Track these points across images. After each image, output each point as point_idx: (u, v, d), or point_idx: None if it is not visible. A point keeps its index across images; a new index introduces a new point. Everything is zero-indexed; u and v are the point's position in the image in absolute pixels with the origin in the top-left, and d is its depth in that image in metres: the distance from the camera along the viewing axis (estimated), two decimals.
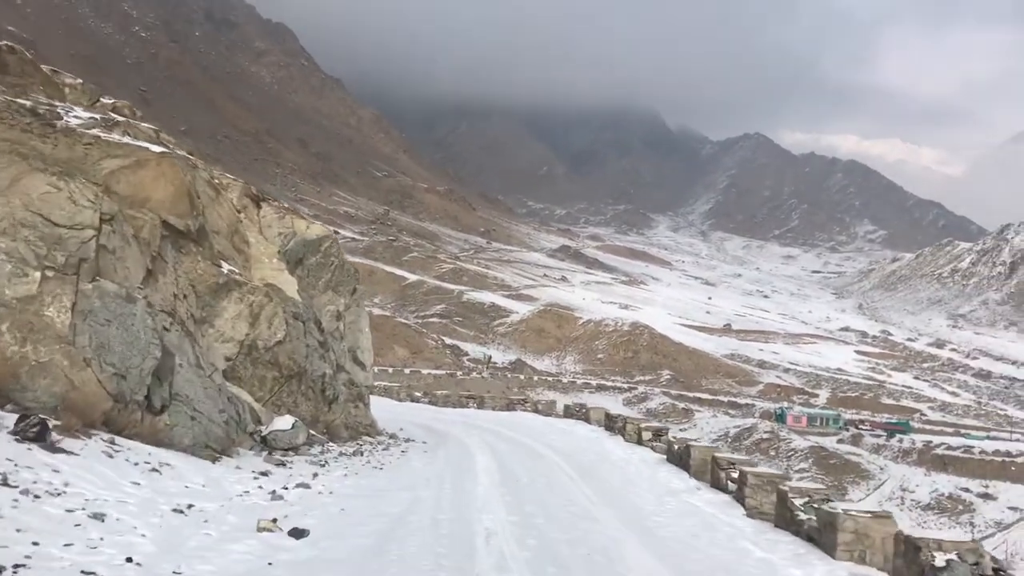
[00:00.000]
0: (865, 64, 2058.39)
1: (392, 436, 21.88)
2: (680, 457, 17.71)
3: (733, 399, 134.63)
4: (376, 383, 47.76)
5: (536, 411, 33.24)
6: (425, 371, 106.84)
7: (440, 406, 37.94)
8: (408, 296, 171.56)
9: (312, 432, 17.40)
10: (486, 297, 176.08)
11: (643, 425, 22.86)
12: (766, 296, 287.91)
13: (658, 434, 22.28)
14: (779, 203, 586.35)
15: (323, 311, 19.58)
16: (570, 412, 30.80)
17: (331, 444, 17.90)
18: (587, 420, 27.94)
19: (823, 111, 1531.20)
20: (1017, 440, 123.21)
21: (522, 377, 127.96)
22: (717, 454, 16.60)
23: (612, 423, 25.15)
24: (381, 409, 29.76)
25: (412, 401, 42.47)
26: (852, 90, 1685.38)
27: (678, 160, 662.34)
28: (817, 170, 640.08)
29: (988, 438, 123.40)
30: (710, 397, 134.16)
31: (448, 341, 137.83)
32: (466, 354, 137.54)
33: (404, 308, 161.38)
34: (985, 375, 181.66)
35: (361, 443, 19.23)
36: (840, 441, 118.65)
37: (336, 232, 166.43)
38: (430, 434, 23.48)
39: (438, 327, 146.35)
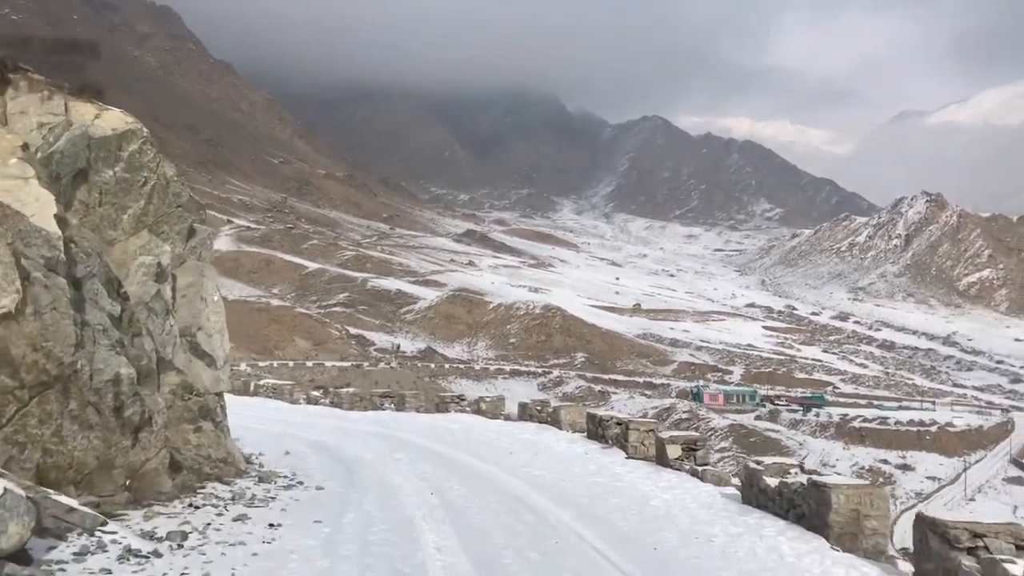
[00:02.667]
0: (759, 47, 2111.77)
1: (264, 477, 13.47)
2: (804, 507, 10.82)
3: (648, 379, 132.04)
4: (265, 380, 40.17)
5: (479, 412, 25.60)
6: (329, 363, 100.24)
7: (348, 408, 29.63)
8: (309, 285, 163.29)
9: (96, 499, 9.59)
10: (392, 284, 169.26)
11: (666, 435, 15.11)
12: (672, 275, 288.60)
13: (691, 448, 14.62)
14: (679, 184, 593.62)
15: (130, 266, 11.15)
16: (528, 413, 23.17)
17: (125, 517, 9.80)
18: (556, 424, 21.09)
19: (717, 94, 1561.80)
20: (928, 409, 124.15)
21: (433, 366, 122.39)
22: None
23: (599, 428, 17.77)
24: (262, 421, 22.91)
25: (310, 403, 33.75)
26: (746, 73, 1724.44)
27: (580, 143, 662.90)
28: (714, 151, 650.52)
29: (900, 408, 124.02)
30: (625, 378, 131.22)
31: (353, 331, 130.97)
32: (373, 344, 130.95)
33: (305, 298, 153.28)
34: (889, 346, 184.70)
35: (195, 503, 11.12)
36: (758, 418, 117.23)
37: (230, 221, 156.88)
38: (331, 464, 15.45)
39: (342, 317, 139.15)
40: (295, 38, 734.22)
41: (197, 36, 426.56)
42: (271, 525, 10.34)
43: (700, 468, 13.95)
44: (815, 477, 10.82)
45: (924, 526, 8.92)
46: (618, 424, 17.28)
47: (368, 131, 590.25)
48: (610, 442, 17.28)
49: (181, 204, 13.69)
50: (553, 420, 21.67)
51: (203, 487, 12.07)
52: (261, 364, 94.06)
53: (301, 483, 13.49)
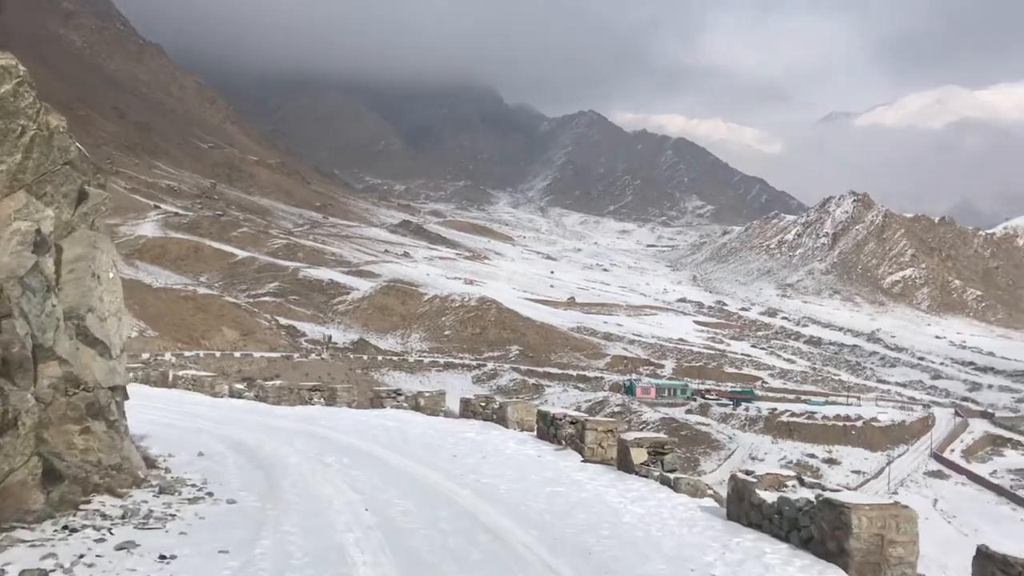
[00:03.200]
0: (694, 46, 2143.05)
1: (168, 487, 11.21)
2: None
3: (582, 372, 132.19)
4: (185, 371, 38.12)
5: (418, 408, 23.90)
6: (258, 354, 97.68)
7: (274, 402, 27.34)
8: (238, 274, 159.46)
9: None
10: (324, 274, 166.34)
11: (630, 437, 13.51)
12: (606, 270, 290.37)
13: (658, 452, 13.14)
14: (613, 179, 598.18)
15: (1, 232, 9.35)
16: (471, 409, 21.39)
17: None
18: (502, 422, 19.61)
19: (653, 91, 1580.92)
20: (853, 405, 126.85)
21: (365, 358, 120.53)
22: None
23: (552, 427, 16.33)
24: (178, 417, 20.98)
25: (233, 396, 30.65)
26: (681, 71, 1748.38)
27: (516, 136, 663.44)
28: (648, 148, 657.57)
29: (827, 403, 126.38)
30: (559, 371, 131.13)
31: (283, 321, 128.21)
32: (304, 335, 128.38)
33: (233, 287, 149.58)
34: (816, 342, 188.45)
35: (72, 524, 8.99)
36: (689, 411, 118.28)
37: (157, 207, 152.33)
38: (250, 469, 13.33)
39: (272, 306, 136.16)
40: (228, 22, 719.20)
41: (125, 16, 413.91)
42: (163, 557, 8.18)
43: (672, 476, 12.45)
44: (829, 495, 9.12)
45: (993, 565, 7.69)
46: (572, 423, 15.85)
47: (302, 119, 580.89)
48: (564, 443, 15.86)
49: (69, 161, 11.03)
50: (499, 418, 20.10)
51: (88, 501, 9.86)
52: (187, 354, 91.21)
53: (211, 494, 11.34)
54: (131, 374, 34.59)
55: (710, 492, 12.55)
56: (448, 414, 23.92)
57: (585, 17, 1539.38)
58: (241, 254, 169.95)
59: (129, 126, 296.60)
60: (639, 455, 13.27)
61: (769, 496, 9.95)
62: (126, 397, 12.33)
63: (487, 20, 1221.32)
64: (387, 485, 12.33)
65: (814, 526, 9.06)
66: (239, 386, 33.60)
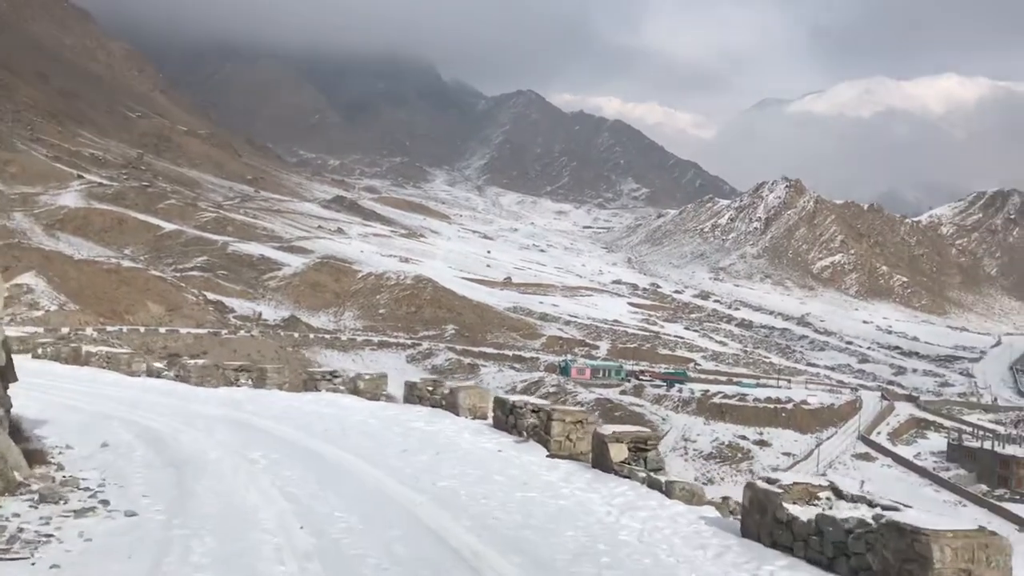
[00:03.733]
0: (632, 29, 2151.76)
1: (50, 494, 9.02)
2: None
3: (518, 353, 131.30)
4: (100, 348, 35.35)
5: (356, 392, 21.62)
6: (184, 330, 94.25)
7: (196, 383, 24.84)
8: (164, 247, 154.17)
9: None
10: (255, 249, 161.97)
11: (607, 430, 11.62)
12: (542, 250, 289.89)
13: (640, 448, 11.23)
14: (550, 160, 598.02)
15: None
16: (417, 394, 19.16)
17: None
18: (452, 408, 17.36)
19: (590, 73, 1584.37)
20: (784, 387, 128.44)
21: (297, 335, 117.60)
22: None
23: (510, 416, 14.45)
24: (85, 400, 18.68)
25: (152, 376, 27.79)
26: (618, 53, 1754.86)
27: (453, 114, 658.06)
28: (586, 129, 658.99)
29: (758, 385, 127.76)
30: (495, 351, 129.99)
31: (211, 296, 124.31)
32: (232, 311, 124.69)
33: (159, 260, 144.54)
34: (747, 325, 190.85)
35: None
36: (623, 392, 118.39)
37: (80, 176, 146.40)
38: (160, 467, 11.18)
39: (199, 281, 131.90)
40: None
41: None
42: None
43: (663, 480, 10.48)
44: (896, 517, 7.24)
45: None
46: (535, 412, 13.98)
47: (233, 90, 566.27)
48: (525, 434, 13.98)
49: None
50: (448, 404, 17.88)
51: None
52: (109, 329, 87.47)
53: (106, 503, 9.08)
54: (40, 349, 31.69)
55: (708, 499, 10.74)
56: (390, 399, 21.91)
57: None
58: (168, 227, 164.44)
59: (53, 92, 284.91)
60: (619, 452, 11.36)
61: (803, 512, 8.17)
62: (12, 378, 10.30)
63: None
64: (326, 490, 10.26)
65: (872, 555, 7.35)
66: (158, 365, 30.52)
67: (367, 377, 22.20)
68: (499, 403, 15.34)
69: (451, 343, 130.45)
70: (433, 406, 18.49)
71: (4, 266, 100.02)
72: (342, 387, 22.22)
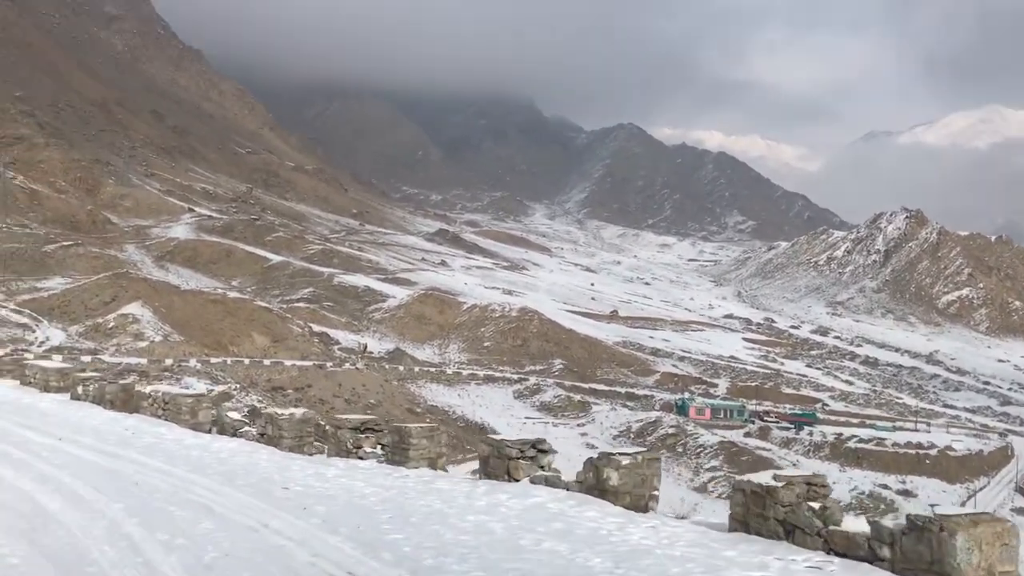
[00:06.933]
0: (735, 62, 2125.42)
1: None
2: None
3: (630, 390, 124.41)
4: (158, 389, 23.64)
5: (600, 492, 11.83)
6: (289, 362, 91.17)
7: (289, 447, 16.67)
8: (271, 279, 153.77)
9: None
10: (360, 280, 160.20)
11: None
12: (647, 283, 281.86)
13: None
14: (652, 193, 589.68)
15: None
16: (757, 513, 10.00)
17: None
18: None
19: (692, 106, 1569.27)
20: (923, 431, 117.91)
21: (402, 368, 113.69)
22: None
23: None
24: (54, 502, 11.35)
25: (226, 432, 19.28)
26: (721, 86, 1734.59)
27: (553, 148, 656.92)
28: (688, 161, 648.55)
29: (895, 428, 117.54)
30: (606, 388, 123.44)
31: (316, 328, 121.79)
32: (337, 343, 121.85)
33: (266, 291, 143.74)
34: (872, 362, 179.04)
35: None
36: (747, 435, 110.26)
37: (191, 209, 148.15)
38: None
39: (305, 313, 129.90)
40: (267, 29, 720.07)
41: (167, 21, 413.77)
42: None
43: None
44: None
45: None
46: None
47: (339, 128, 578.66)
48: None
49: None
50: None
51: None
52: (213, 360, 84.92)
53: None
54: (81, 387, 25.69)
55: None
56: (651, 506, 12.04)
57: (625, 30, 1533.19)
58: (275, 259, 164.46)
59: (167, 130, 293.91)
60: None
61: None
62: None
63: (527, 33, 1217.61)
64: None
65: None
66: (235, 415, 21.05)
67: (623, 464, 11.54)
68: None
69: (559, 378, 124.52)
70: (768, 536, 9.62)
71: (112, 296, 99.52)
72: (555, 473, 12.82)
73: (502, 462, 13.18)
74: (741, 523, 10.10)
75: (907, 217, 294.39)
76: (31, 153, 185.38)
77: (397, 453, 15.31)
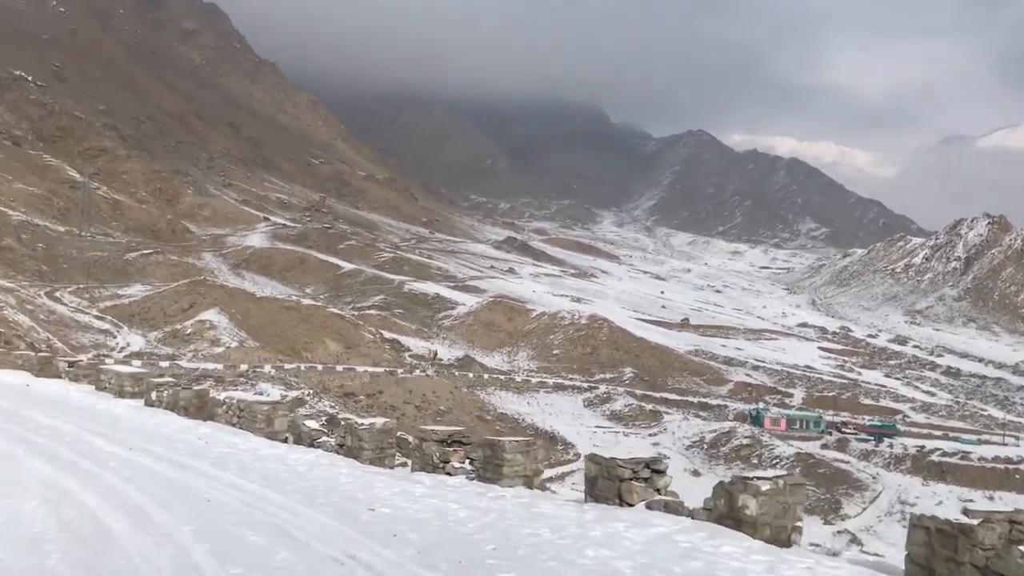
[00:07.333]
0: (806, 66, 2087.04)
1: None
2: None
3: (703, 399, 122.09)
4: (232, 396, 23.47)
5: (736, 522, 10.55)
6: (361, 368, 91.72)
7: (371, 458, 16.11)
8: (343, 286, 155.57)
9: None
10: (429, 288, 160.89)
11: None
12: (718, 291, 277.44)
13: None
14: (723, 200, 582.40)
15: None
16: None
17: None
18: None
19: (763, 112, 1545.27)
20: (1011, 444, 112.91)
21: (471, 375, 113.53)
22: None
23: None
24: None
25: (302, 443, 18.58)
26: (792, 91, 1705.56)
27: (621, 156, 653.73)
28: (760, 168, 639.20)
29: (980, 442, 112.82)
30: (678, 397, 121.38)
31: (387, 335, 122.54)
32: (408, 349, 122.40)
33: (339, 298, 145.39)
34: (955, 373, 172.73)
35: None
36: (825, 446, 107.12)
37: (266, 219, 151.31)
38: None
39: (376, 320, 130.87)
40: (339, 41, 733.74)
41: (242, 35, 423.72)
42: None
43: None
44: None
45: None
46: None
47: (409, 137, 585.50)
48: None
49: None
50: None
51: None
52: (287, 366, 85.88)
53: None
54: (155, 393, 25.04)
55: None
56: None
57: (694, 36, 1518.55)
58: (347, 266, 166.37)
59: (243, 141, 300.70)
60: None
61: None
62: None
63: (594, 40, 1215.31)
64: None
65: None
66: (312, 425, 19.78)
67: (763, 490, 10.19)
68: None
69: (630, 387, 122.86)
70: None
71: (190, 303, 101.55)
72: (675, 499, 11.66)
73: (612, 483, 11.94)
74: (924, 568, 8.72)
75: (989, 223, 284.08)
76: (114, 165, 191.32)
77: (489, 469, 14.11)
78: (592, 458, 12.24)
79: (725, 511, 10.49)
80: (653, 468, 11.82)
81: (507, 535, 10.37)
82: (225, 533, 9.94)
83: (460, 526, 10.88)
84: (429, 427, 15.80)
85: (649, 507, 11.34)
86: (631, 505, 11.51)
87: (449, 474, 14.68)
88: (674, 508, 11.16)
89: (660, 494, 11.65)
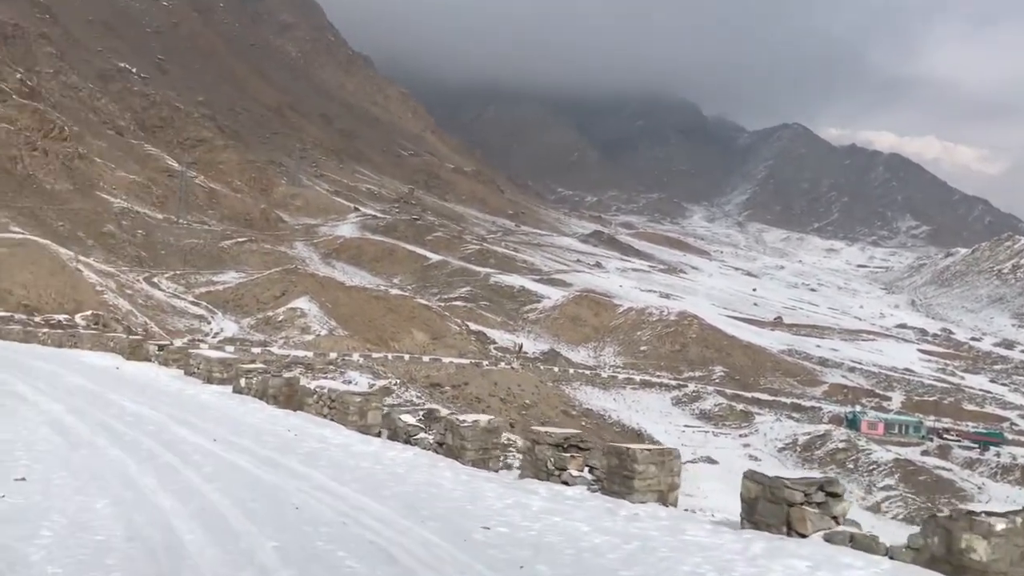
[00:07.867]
0: (907, 57, 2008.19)
1: None
2: None
3: (796, 401, 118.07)
4: (323, 385, 22.03)
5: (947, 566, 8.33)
6: (447, 359, 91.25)
7: (472, 461, 14.64)
8: (430, 277, 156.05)
9: None
10: (515, 280, 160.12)
11: None
12: (813, 290, 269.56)
13: None
14: (819, 195, 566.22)
15: None
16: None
17: None
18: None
19: (861, 106, 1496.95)
20: None
21: (556, 370, 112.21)
22: None
23: None
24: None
25: (398, 439, 17.23)
26: (892, 83, 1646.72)
27: (714, 149, 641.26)
28: (857, 163, 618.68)
29: None
30: (770, 398, 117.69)
31: (473, 327, 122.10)
32: (493, 342, 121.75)
33: (425, 289, 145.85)
34: None
35: None
36: (925, 453, 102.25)
37: (357, 209, 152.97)
38: None
39: (462, 311, 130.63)
40: (429, 34, 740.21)
41: (336, 28, 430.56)
42: None
43: None
44: None
45: None
46: None
47: (496, 130, 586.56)
48: None
49: None
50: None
51: None
52: (375, 355, 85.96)
53: None
54: (244, 379, 24.18)
55: None
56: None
57: (789, 27, 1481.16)
58: (434, 258, 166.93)
59: (335, 133, 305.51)
60: None
61: None
62: None
63: (687, 32, 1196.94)
64: None
65: None
66: (408, 419, 18.39)
67: (997, 530, 8.06)
68: None
69: (720, 386, 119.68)
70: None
71: (282, 290, 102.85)
72: (862, 532, 9.75)
73: (779, 508, 9.82)
74: None
75: None
76: (211, 154, 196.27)
77: (616, 481, 12.23)
78: (751, 476, 10.23)
79: (941, 553, 8.46)
80: (828, 491, 9.79)
81: (660, 572, 8.46)
82: (315, 554, 8.34)
83: (599, 557, 8.99)
84: (543, 428, 13.92)
85: (829, 539, 9.35)
86: (803, 535, 9.56)
87: (566, 483, 12.97)
88: (864, 544, 9.17)
89: (837, 523, 9.73)
